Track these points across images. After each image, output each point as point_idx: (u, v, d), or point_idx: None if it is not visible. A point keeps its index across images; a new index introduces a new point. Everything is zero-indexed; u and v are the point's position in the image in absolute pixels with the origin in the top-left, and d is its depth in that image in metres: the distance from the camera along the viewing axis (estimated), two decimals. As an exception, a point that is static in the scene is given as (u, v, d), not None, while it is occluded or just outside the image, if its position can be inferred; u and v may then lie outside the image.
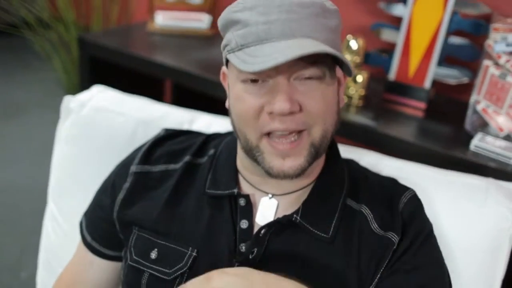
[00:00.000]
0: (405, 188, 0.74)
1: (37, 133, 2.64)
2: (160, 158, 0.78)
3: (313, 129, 0.63)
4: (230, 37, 0.62)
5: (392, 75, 1.26)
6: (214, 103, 1.27)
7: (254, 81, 0.62)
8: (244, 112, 0.63)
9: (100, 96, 0.99)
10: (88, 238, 0.81)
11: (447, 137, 1.17)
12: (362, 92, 1.25)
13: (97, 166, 0.93)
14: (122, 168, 0.79)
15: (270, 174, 0.64)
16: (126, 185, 0.76)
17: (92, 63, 1.55)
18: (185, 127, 0.95)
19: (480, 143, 1.07)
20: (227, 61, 0.66)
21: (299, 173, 0.64)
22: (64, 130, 0.97)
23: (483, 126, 1.13)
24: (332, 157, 0.74)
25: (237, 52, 0.61)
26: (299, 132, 0.62)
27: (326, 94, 0.63)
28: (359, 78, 1.23)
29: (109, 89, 1.03)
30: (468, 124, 1.17)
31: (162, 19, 1.70)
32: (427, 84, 1.23)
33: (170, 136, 0.82)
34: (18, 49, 2.86)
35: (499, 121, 1.09)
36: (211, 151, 0.77)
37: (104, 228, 0.79)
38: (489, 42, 1.10)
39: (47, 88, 2.77)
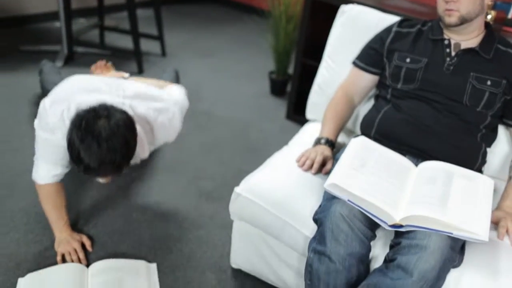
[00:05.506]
0: None
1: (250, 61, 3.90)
2: (405, 26, 1.72)
3: (461, 10, 1.51)
4: None
5: (510, 15, 2.13)
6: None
7: None
8: (438, 3, 1.56)
9: (357, 6, 1.95)
10: (362, 65, 1.78)
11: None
12: (492, 19, 2.14)
13: (356, 39, 1.88)
14: (385, 31, 1.74)
15: (445, 24, 1.56)
16: (391, 35, 1.71)
17: (312, 4, 2.57)
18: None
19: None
20: None
21: (454, 25, 1.54)
22: (340, 21, 1.95)
23: None
24: (489, 28, 1.63)
25: None
26: (456, 11, 1.53)
27: None
28: (492, 13, 2.11)
29: (357, 5, 1.99)
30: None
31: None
32: (532, 20, 2.09)
33: (404, 20, 1.76)
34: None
35: None
36: (429, 24, 1.70)
37: (374, 58, 1.74)
38: None
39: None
